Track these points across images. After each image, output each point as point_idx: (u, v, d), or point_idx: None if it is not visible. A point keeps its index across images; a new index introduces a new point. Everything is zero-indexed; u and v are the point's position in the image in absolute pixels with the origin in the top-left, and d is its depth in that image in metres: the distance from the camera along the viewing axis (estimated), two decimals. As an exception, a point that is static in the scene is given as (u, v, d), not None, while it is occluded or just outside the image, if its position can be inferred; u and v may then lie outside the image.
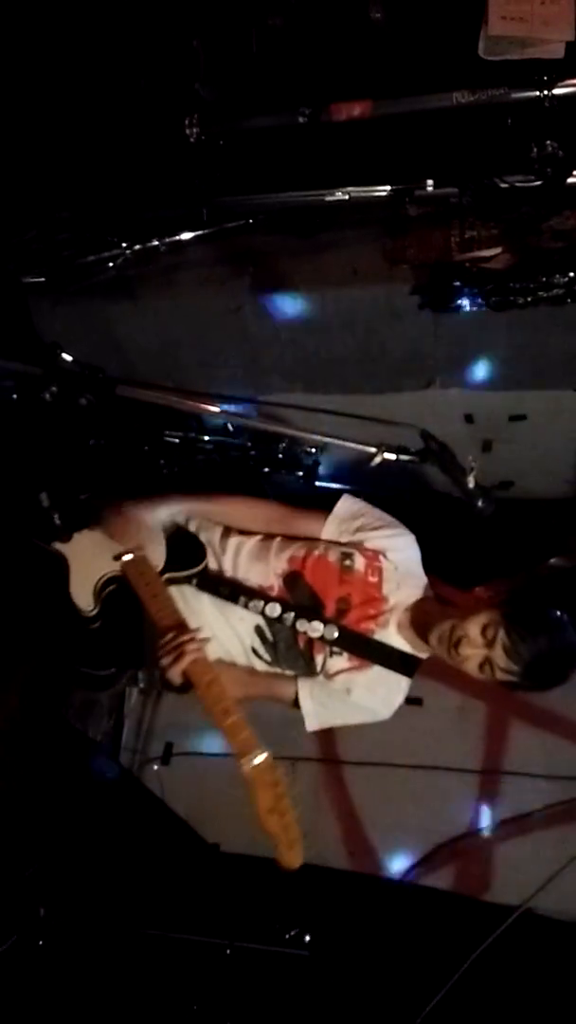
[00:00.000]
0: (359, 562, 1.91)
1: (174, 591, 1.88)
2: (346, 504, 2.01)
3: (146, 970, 2.51)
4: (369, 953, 2.76)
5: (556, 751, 3.08)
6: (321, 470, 2.93)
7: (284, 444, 2.63)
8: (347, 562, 1.91)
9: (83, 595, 1.87)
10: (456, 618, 1.80)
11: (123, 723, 3.34)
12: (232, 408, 2.45)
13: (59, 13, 2.39)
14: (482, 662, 1.76)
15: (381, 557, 1.94)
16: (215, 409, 2.06)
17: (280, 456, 2.71)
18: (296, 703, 1.95)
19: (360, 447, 1.87)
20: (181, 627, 1.77)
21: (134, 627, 1.90)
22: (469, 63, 2.22)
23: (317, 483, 2.92)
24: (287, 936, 2.65)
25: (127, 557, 1.84)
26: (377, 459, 1.90)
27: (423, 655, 1.94)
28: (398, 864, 3.01)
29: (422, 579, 1.99)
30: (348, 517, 1.99)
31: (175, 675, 1.74)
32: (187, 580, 1.91)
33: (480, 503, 1.87)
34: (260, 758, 1.61)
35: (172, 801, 3.09)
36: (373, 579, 1.92)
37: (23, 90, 2.47)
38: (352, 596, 1.90)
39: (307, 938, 2.66)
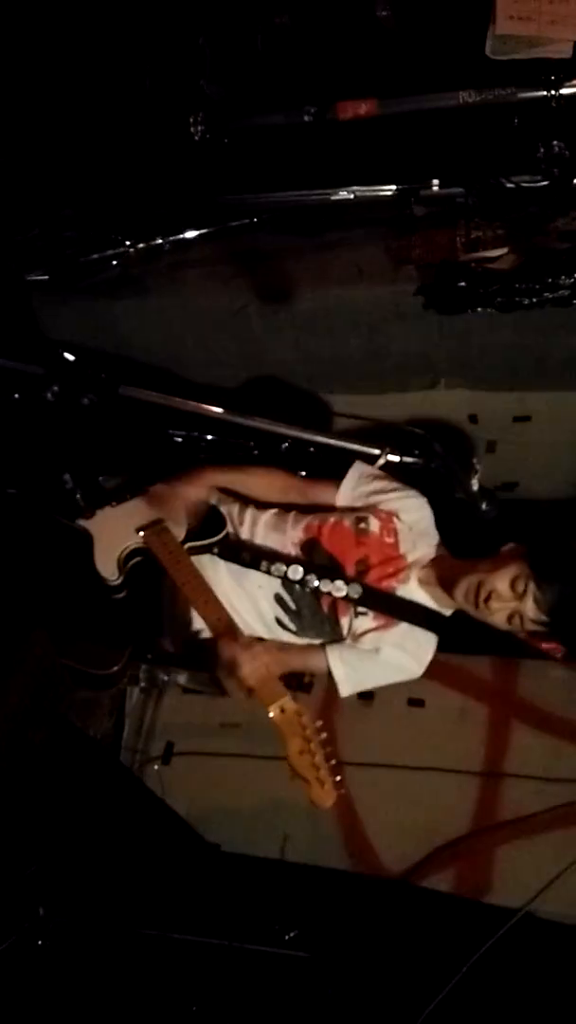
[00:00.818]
0: (374, 524, 1.96)
1: (196, 561, 1.93)
2: (357, 470, 2.07)
3: (146, 970, 2.51)
4: (369, 955, 2.75)
5: (557, 753, 3.07)
6: (325, 470, 2.93)
7: (287, 444, 2.62)
8: (362, 525, 1.96)
9: (107, 565, 1.93)
10: (483, 572, 1.83)
11: (124, 722, 3.34)
12: (235, 408, 2.43)
13: (64, 11, 2.39)
14: (511, 614, 1.81)
15: (395, 518, 1.99)
16: (218, 409, 2.07)
17: (283, 455, 2.70)
18: (328, 672, 1.97)
19: (364, 449, 1.87)
20: (211, 606, 1.82)
21: (155, 598, 1.98)
22: (476, 62, 2.22)
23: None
24: (287, 937, 2.64)
25: (149, 529, 1.90)
26: (381, 461, 1.91)
27: (447, 611, 1.99)
28: (398, 866, 3.00)
29: (435, 538, 2.05)
30: (360, 482, 2.05)
31: (245, 685, 1.77)
32: (209, 549, 1.95)
33: (484, 506, 1.87)
34: (287, 704, 1.66)
35: (172, 801, 3.09)
36: (389, 540, 1.97)
37: (28, 88, 2.47)
38: (370, 556, 1.95)
39: (291, 935, 2.65)
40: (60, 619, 2.03)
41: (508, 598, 1.80)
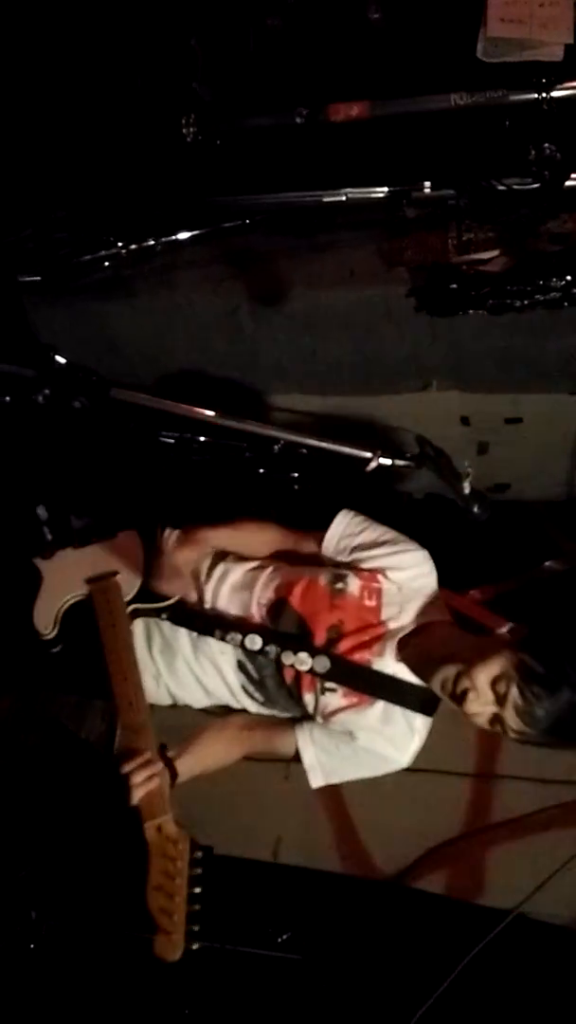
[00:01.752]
0: (353, 584, 1.74)
1: (150, 623, 1.81)
2: (344, 519, 1.87)
3: (138, 974, 2.50)
4: (362, 957, 2.75)
5: (549, 755, 3.06)
6: (316, 472, 2.93)
7: (279, 446, 2.62)
8: (339, 585, 1.74)
9: (45, 615, 1.81)
10: (464, 661, 1.57)
11: (116, 726, 3.33)
12: (227, 411, 2.43)
13: (55, 11, 2.38)
14: (492, 719, 1.57)
15: (380, 577, 1.76)
16: (210, 412, 2.05)
17: (275, 458, 2.70)
18: (297, 755, 1.76)
19: (356, 452, 1.86)
20: (130, 686, 1.67)
21: (97, 659, 1.79)
22: (467, 65, 2.22)
23: (312, 485, 2.92)
24: (279, 940, 2.64)
25: (98, 582, 1.76)
26: (373, 464, 1.89)
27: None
28: (391, 867, 3.00)
29: (432, 601, 1.78)
30: (347, 531, 1.84)
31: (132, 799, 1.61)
32: (157, 613, 1.81)
33: (476, 509, 1.86)
34: (168, 827, 1.47)
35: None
36: (370, 603, 1.74)
37: (18, 88, 2.46)
38: (345, 622, 1.72)
39: (284, 937, 2.64)
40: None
41: (488, 700, 1.54)
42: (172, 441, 2.73)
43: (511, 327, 2.47)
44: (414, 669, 1.69)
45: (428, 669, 1.64)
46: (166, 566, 1.77)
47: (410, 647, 1.70)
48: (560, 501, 3.13)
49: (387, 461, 1.87)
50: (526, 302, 2.38)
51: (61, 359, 1.75)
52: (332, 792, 3.16)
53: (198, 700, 1.87)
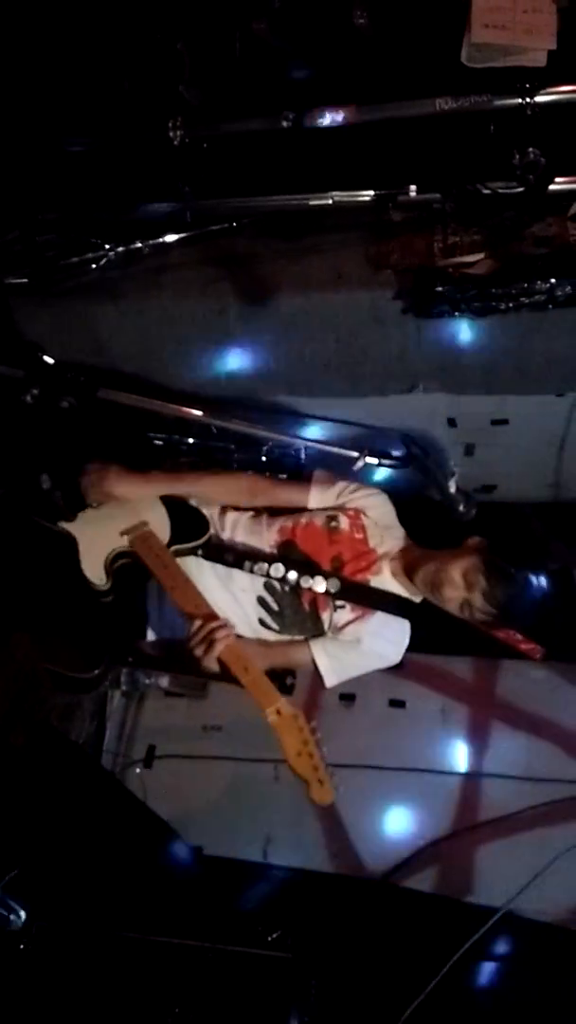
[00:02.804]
0: (344, 522, 2.07)
1: (182, 563, 1.95)
2: (321, 475, 2.18)
3: (128, 973, 2.50)
4: (351, 955, 2.76)
5: (537, 753, 3.10)
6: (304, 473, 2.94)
7: (267, 447, 2.63)
8: (333, 523, 2.07)
9: (95, 570, 1.92)
10: (440, 561, 1.98)
11: (105, 726, 3.33)
12: (215, 411, 2.45)
13: (42, 14, 2.39)
14: (462, 603, 1.95)
15: (362, 515, 2.11)
16: (198, 412, 2.07)
17: (264, 459, 2.71)
18: (314, 665, 2.05)
19: (343, 452, 1.88)
20: (199, 602, 1.87)
21: (141, 602, 2.03)
22: (452, 70, 2.24)
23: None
24: (269, 939, 2.65)
25: (134, 532, 1.92)
26: (360, 463, 1.92)
27: (417, 599, 2.10)
28: (380, 866, 3.01)
29: (400, 530, 2.17)
30: (328, 485, 2.16)
31: (211, 663, 1.84)
32: (193, 551, 1.99)
33: (461, 507, 1.89)
34: (284, 708, 1.74)
35: (154, 804, 3.09)
36: (359, 535, 2.08)
37: (5, 91, 2.46)
38: (343, 553, 2.05)
39: (274, 936, 2.65)
40: (42, 622, 2.02)
41: (460, 587, 1.94)
42: (160, 443, 2.75)
43: (497, 329, 2.49)
44: (400, 576, 2.07)
45: (413, 570, 2.03)
46: (102, 473, 1.96)
47: (399, 561, 2.08)
48: (546, 502, 3.15)
49: (373, 460, 1.90)
50: (511, 304, 2.40)
51: (49, 359, 1.75)
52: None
53: None
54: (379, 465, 1.91)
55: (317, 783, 1.71)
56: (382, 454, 1.94)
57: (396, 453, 1.97)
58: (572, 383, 2.68)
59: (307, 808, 3.09)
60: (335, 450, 1.96)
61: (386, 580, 2.10)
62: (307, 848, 3.05)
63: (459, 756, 3.18)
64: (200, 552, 2.01)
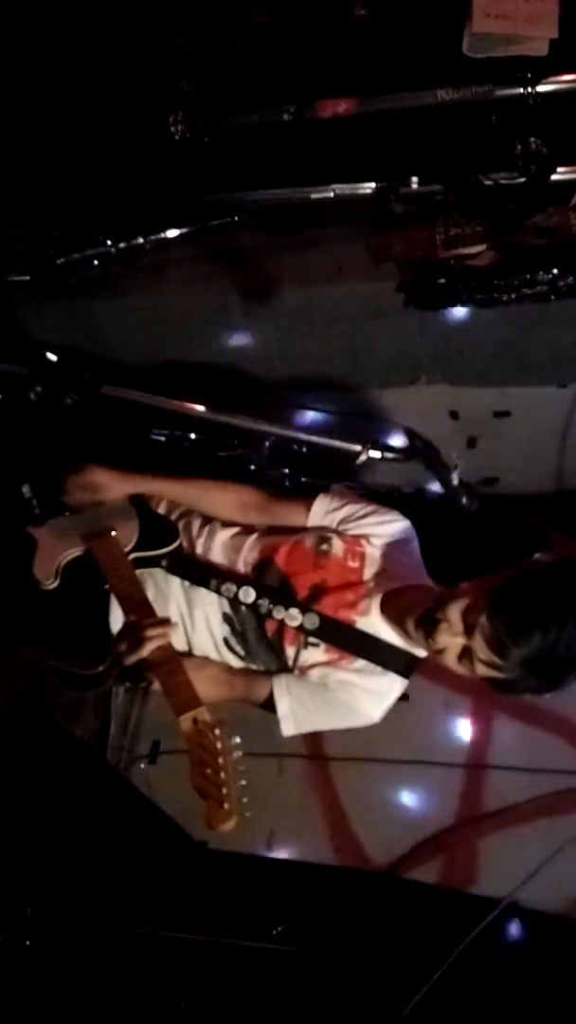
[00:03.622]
0: (337, 546, 1.77)
1: (144, 574, 1.83)
2: (334, 492, 1.88)
3: (133, 968, 2.51)
4: (356, 947, 2.77)
5: (540, 744, 3.10)
6: (308, 467, 2.94)
7: (270, 442, 2.63)
8: (323, 546, 1.77)
9: (44, 569, 1.83)
10: (436, 598, 1.61)
11: (110, 722, 3.34)
12: (218, 406, 2.44)
13: (43, 10, 2.38)
14: (461, 653, 1.56)
15: (364, 542, 1.79)
16: (201, 408, 2.05)
17: (267, 453, 2.71)
18: (271, 703, 1.76)
19: (346, 445, 1.86)
20: (143, 609, 1.68)
21: (101, 611, 1.83)
22: (453, 60, 2.23)
23: (304, 479, 2.93)
24: (274, 932, 2.66)
25: (95, 537, 1.80)
26: (362, 457, 1.89)
27: (419, 652, 1.74)
28: (384, 858, 3.02)
29: (414, 568, 1.80)
30: (333, 503, 1.85)
31: (132, 660, 1.61)
32: (157, 561, 1.84)
33: (464, 499, 1.87)
34: (203, 717, 1.51)
35: (159, 799, 3.09)
36: (353, 564, 1.77)
37: (6, 87, 2.46)
38: (327, 580, 1.75)
39: (278, 930, 2.65)
40: (44, 620, 1.99)
41: (458, 631, 1.54)
42: (163, 439, 2.75)
43: (499, 321, 2.49)
44: (393, 621, 1.72)
45: (403, 614, 1.66)
46: (87, 477, 1.83)
47: (392, 604, 1.73)
48: (549, 494, 3.15)
49: (376, 454, 1.87)
50: (513, 296, 2.40)
51: (52, 356, 1.75)
52: (325, 785, 3.18)
53: (181, 646, 1.89)
54: (382, 459, 1.87)
55: (216, 804, 1.43)
56: (385, 447, 1.88)
57: (399, 446, 1.94)
58: (574, 374, 2.67)
59: (311, 802, 3.10)
60: (338, 443, 1.93)
61: (374, 623, 1.73)
62: (311, 841, 3.05)
63: (462, 748, 3.18)
64: (164, 563, 1.84)
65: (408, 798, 3.09)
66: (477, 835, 3.04)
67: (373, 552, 1.79)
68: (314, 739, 3.14)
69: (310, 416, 2.59)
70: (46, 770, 2.60)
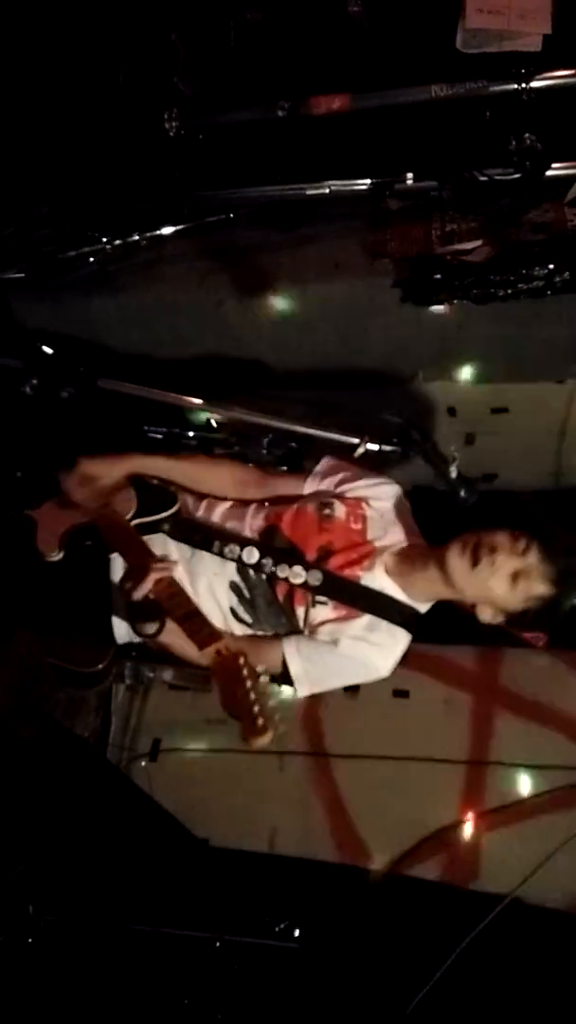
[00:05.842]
0: (340, 510, 1.82)
1: (148, 542, 1.84)
2: (327, 462, 1.95)
3: (136, 965, 2.51)
4: (358, 945, 2.76)
5: (541, 740, 3.09)
6: (305, 463, 2.94)
7: (268, 438, 2.63)
8: (326, 511, 1.82)
9: (48, 543, 1.85)
10: (476, 534, 1.67)
11: (110, 720, 3.33)
12: (215, 401, 2.44)
13: (36, 9, 2.38)
14: (516, 572, 1.63)
15: (364, 505, 1.85)
16: (197, 402, 2.05)
17: (265, 450, 2.71)
18: (285, 669, 1.79)
19: (343, 438, 1.86)
20: (144, 552, 1.74)
21: (103, 576, 1.86)
22: (447, 56, 2.24)
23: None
24: (277, 929, 2.65)
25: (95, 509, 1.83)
26: (360, 450, 1.89)
27: (421, 606, 1.81)
28: (386, 855, 3.01)
29: (411, 528, 1.87)
30: (329, 472, 1.91)
31: (139, 594, 1.66)
32: (158, 526, 1.86)
33: (463, 493, 1.87)
34: (226, 647, 1.60)
35: (160, 797, 3.09)
36: (356, 526, 1.82)
37: (0, 85, 2.46)
38: (334, 542, 1.79)
39: (296, 932, 2.66)
40: (44, 617, 1.99)
41: (513, 551, 1.63)
42: (160, 436, 2.75)
43: (495, 316, 2.49)
44: (398, 576, 1.79)
45: (437, 558, 1.71)
46: (76, 475, 1.84)
47: (395, 560, 1.80)
48: (548, 490, 3.15)
49: (374, 447, 1.87)
50: (509, 291, 2.40)
51: (48, 350, 1.75)
52: (326, 781, 3.18)
53: None
54: (380, 452, 1.87)
55: (250, 722, 1.54)
56: (383, 440, 1.88)
57: (396, 440, 1.93)
58: (571, 369, 2.67)
59: (313, 799, 3.10)
60: (335, 437, 1.92)
61: (379, 578, 1.79)
62: (313, 838, 3.04)
63: (463, 745, 3.17)
64: (165, 527, 1.85)
65: (410, 795, 3.09)
66: (479, 832, 3.03)
67: (374, 514, 1.84)
68: (315, 735, 3.14)
69: (307, 412, 2.59)
70: (47, 768, 2.60)
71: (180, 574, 1.84)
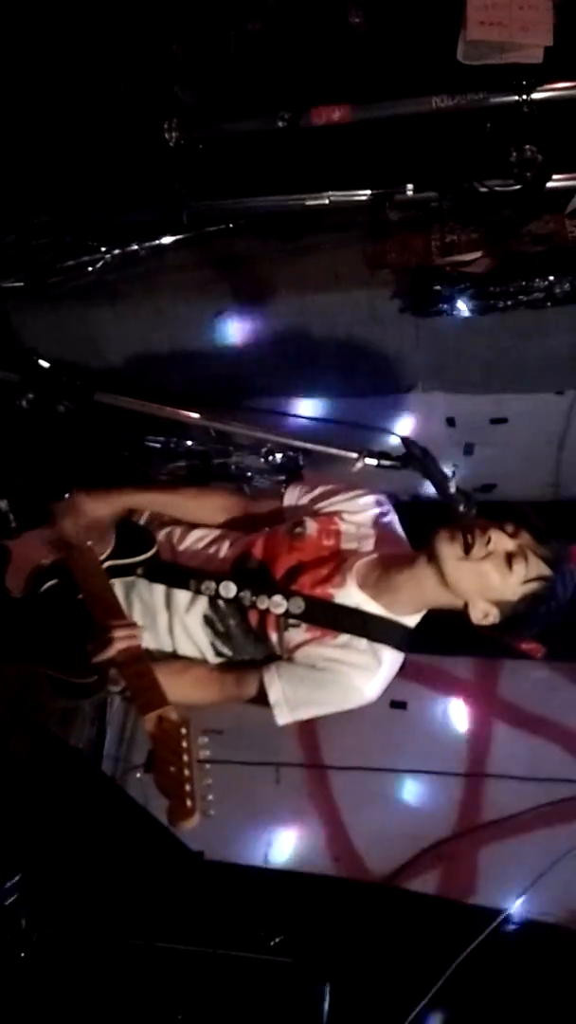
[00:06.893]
0: (311, 527, 1.78)
1: (125, 583, 1.83)
2: (306, 476, 2.04)
3: (130, 979, 2.49)
4: (355, 958, 2.75)
5: (538, 753, 3.09)
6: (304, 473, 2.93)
7: (266, 449, 2.63)
8: (297, 530, 1.78)
9: (14, 580, 1.82)
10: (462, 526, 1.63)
11: (105, 731, 3.32)
12: (213, 413, 2.43)
13: (38, 17, 2.38)
14: (511, 553, 1.60)
15: (337, 519, 1.81)
16: (196, 415, 2.04)
17: (263, 461, 2.70)
18: (264, 695, 1.73)
19: (341, 453, 1.85)
20: (113, 611, 1.67)
21: (81, 623, 1.76)
22: (448, 68, 2.24)
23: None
24: (272, 943, 2.63)
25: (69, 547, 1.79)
26: (358, 464, 1.87)
27: (407, 619, 1.73)
28: (383, 869, 3.00)
29: (394, 537, 1.82)
30: (306, 486, 1.90)
31: (101, 659, 1.59)
32: (132, 569, 1.83)
33: (462, 507, 1.85)
34: (170, 715, 1.49)
35: (155, 809, 3.07)
36: (328, 542, 1.78)
37: (1, 94, 2.46)
38: (303, 561, 1.75)
39: (276, 940, 2.63)
40: (39, 628, 1.98)
41: (503, 532, 1.62)
42: (158, 446, 2.74)
43: (495, 328, 2.49)
44: (373, 588, 1.72)
45: (426, 552, 1.65)
46: (68, 508, 1.83)
47: (369, 572, 1.73)
48: (546, 501, 3.14)
49: (372, 462, 1.85)
50: (509, 303, 2.39)
51: (44, 363, 1.74)
52: (323, 795, 3.17)
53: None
54: (378, 466, 1.85)
55: (178, 801, 1.41)
56: (381, 454, 1.87)
57: (395, 454, 1.92)
58: (571, 381, 2.67)
59: (309, 811, 3.09)
60: (333, 451, 1.91)
61: (352, 594, 1.71)
62: (309, 851, 3.04)
63: (461, 757, 3.17)
64: (139, 571, 1.82)
65: (407, 808, 3.08)
66: (477, 845, 3.03)
67: (348, 528, 1.80)
68: (312, 748, 3.13)
69: (306, 423, 2.58)
70: (41, 779, 2.59)
71: (162, 616, 1.82)
